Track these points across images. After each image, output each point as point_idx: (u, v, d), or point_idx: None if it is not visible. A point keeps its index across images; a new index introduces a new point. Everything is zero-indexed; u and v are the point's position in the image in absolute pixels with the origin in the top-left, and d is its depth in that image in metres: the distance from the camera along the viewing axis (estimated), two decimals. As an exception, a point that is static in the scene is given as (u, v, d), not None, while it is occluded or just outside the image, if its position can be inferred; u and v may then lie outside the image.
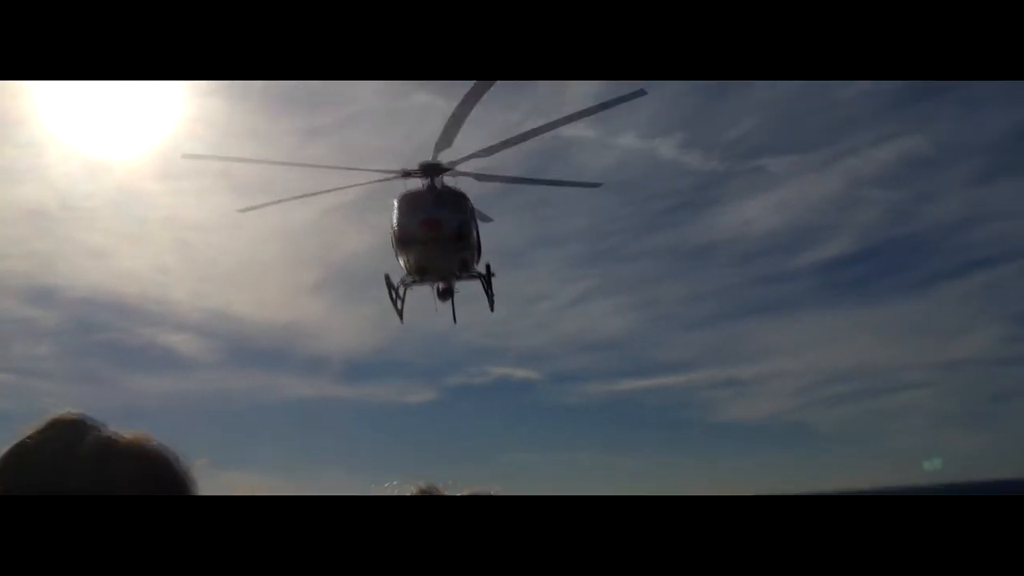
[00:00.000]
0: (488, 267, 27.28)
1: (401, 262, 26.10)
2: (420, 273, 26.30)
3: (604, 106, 24.86)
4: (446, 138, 24.17)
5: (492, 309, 28.45)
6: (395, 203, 25.71)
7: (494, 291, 27.68)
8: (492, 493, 3.51)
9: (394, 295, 27.91)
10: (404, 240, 25.18)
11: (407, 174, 25.93)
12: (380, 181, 26.39)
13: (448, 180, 26.17)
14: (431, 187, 25.65)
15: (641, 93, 23.45)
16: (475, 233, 26.25)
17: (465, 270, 26.56)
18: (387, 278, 27.38)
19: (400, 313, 28.21)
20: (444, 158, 25.44)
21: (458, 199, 25.98)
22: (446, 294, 27.22)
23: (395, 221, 25.42)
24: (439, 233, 24.84)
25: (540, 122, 25.01)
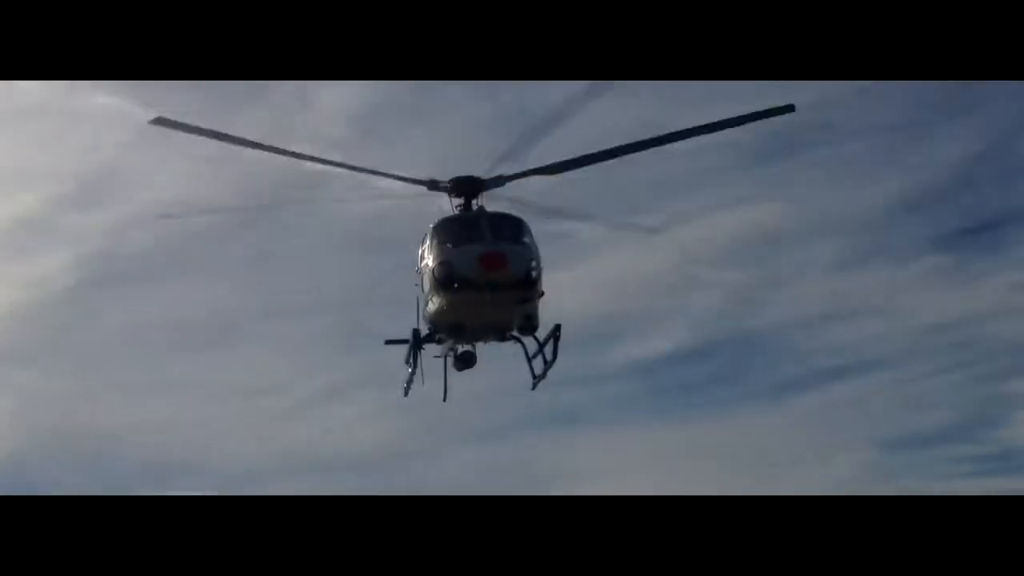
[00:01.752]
0: (558, 327, 20.31)
1: (431, 313, 20.13)
2: (459, 330, 20.11)
3: (746, 120, 18.08)
4: (516, 147, 19.32)
5: (536, 383, 21.41)
6: (432, 229, 20.00)
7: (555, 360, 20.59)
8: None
9: (413, 359, 21.99)
10: (447, 281, 18.76)
11: (435, 186, 20.44)
12: (401, 178, 20.57)
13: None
14: (481, 210, 19.90)
15: (790, 109, 17.35)
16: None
17: (529, 329, 19.96)
18: (416, 334, 21.26)
19: (409, 384, 22.53)
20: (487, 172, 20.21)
21: (521, 228, 19.67)
22: (468, 361, 21.06)
23: (434, 255, 19.41)
24: (506, 273, 18.43)
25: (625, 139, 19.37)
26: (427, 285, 19.83)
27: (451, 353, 21.24)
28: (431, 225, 20.12)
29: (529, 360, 21.25)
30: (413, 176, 20.56)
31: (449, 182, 20.23)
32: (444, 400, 22.29)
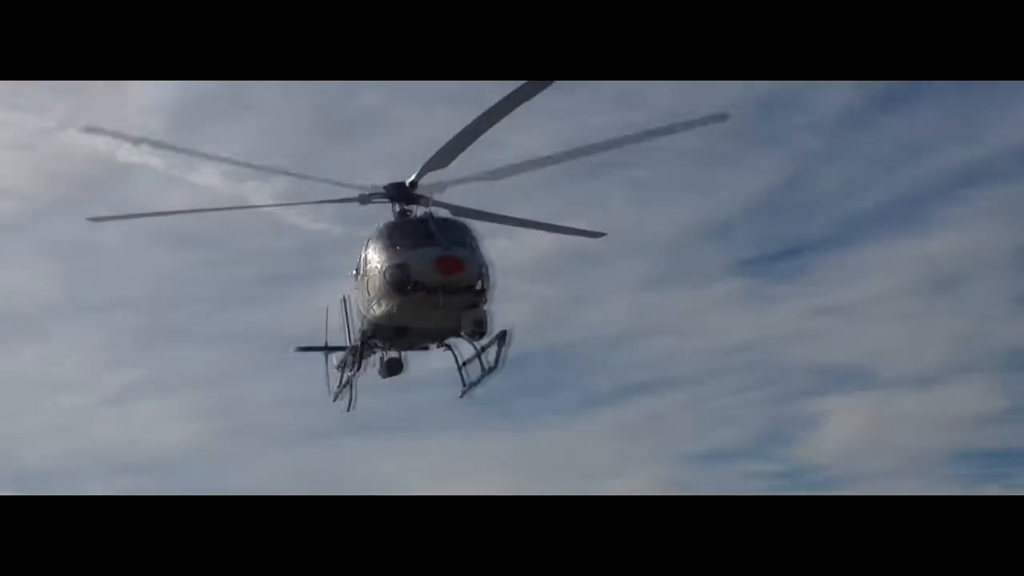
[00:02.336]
0: (504, 334, 20.24)
1: (375, 317, 20.17)
2: (402, 334, 20.28)
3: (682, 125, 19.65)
4: (444, 156, 19.24)
5: (467, 391, 21.59)
6: (378, 233, 20.01)
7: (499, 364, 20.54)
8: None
9: (348, 367, 22.44)
10: (401, 284, 18.58)
11: (366, 199, 20.76)
12: (331, 201, 21.28)
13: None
14: (429, 215, 19.95)
15: (721, 117, 19.05)
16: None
17: (478, 334, 19.57)
18: (358, 348, 21.48)
19: (349, 393, 22.74)
20: (420, 181, 20.37)
21: (467, 233, 19.78)
22: (395, 369, 21.43)
23: (381, 259, 19.34)
24: (461, 278, 18.38)
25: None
26: (372, 289, 19.73)
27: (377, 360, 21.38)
28: (377, 228, 20.09)
29: (460, 367, 21.44)
30: (343, 196, 20.90)
31: (384, 188, 20.41)
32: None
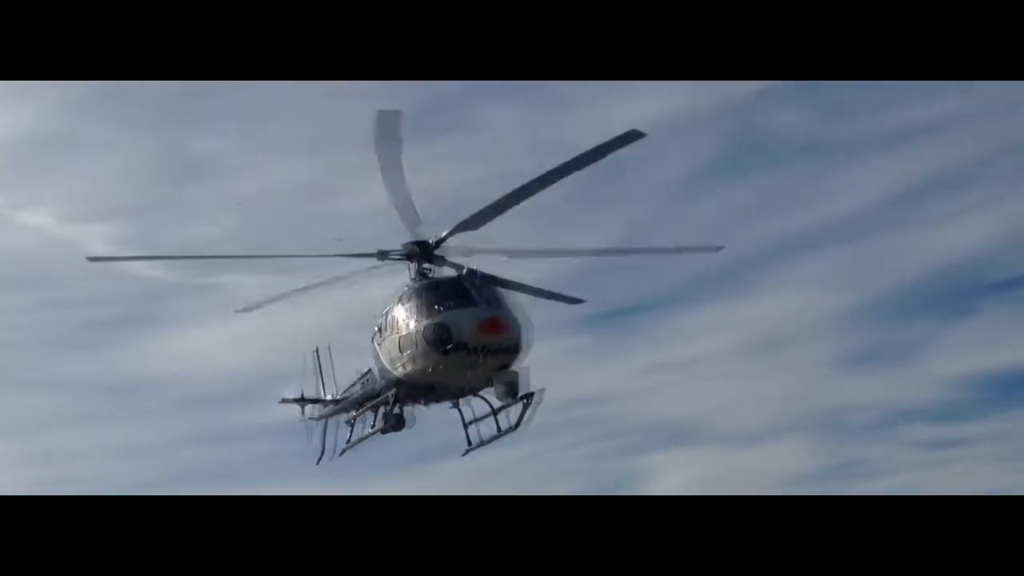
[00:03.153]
0: (534, 394, 20.16)
1: (404, 374, 20.29)
2: (429, 392, 20.38)
3: (599, 152, 18.36)
4: (478, 220, 19.64)
5: (473, 449, 21.53)
6: (411, 293, 20.22)
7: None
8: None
9: (356, 423, 22.78)
10: (441, 343, 18.80)
11: (384, 256, 21.07)
12: (351, 257, 21.27)
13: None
14: (461, 275, 20.30)
15: (637, 136, 17.87)
16: None
17: (510, 393, 19.58)
18: (384, 402, 21.24)
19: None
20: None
21: (501, 293, 20.05)
22: (400, 424, 21.29)
23: (418, 319, 19.56)
24: (504, 338, 18.71)
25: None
26: (403, 347, 19.88)
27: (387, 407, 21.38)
28: (410, 288, 20.38)
29: (466, 424, 21.39)
30: (359, 251, 21.18)
31: (404, 246, 20.78)
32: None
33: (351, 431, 23.26)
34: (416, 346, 19.45)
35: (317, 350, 26.65)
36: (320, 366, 26.54)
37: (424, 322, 19.29)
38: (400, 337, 20.06)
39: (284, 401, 26.81)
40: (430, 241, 20.61)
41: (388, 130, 17.48)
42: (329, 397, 26.06)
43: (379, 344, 21.12)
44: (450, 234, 20.38)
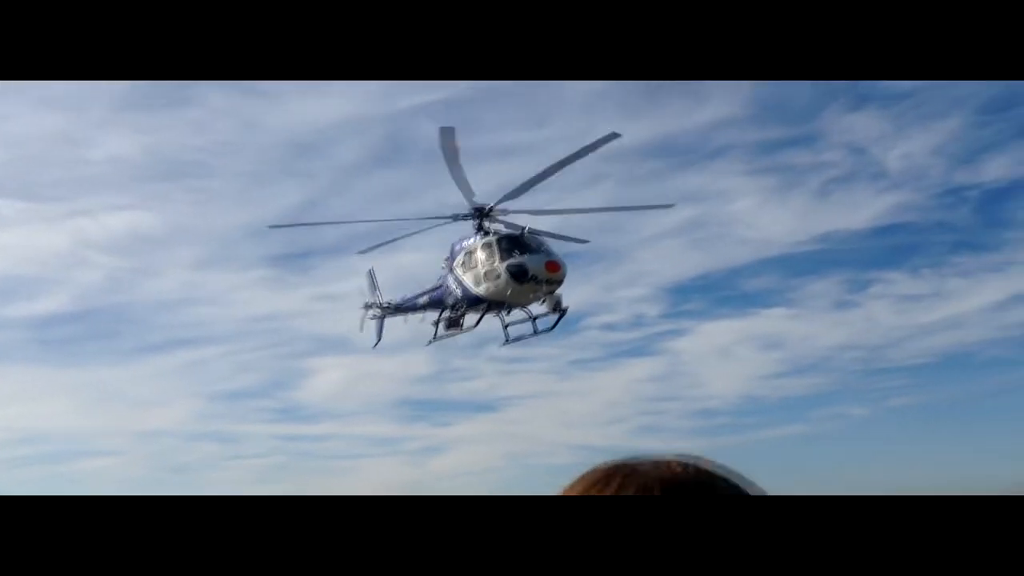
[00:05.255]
0: (567, 309, 30.38)
1: (485, 292, 29.55)
2: (500, 304, 29.98)
3: (582, 153, 27.92)
4: (520, 191, 28.73)
5: (510, 341, 31.70)
6: (491, 242, 29.59)
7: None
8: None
9: (444, 325, 31.90)
10: (520, 277, 28.27)
11: (457, 217, 30.63)
12: (432, 220, 31.19)
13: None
14: (524, 232, 29.62)
15: (614, 136, 27.11)
16: None
17: (559, 309, 29.92)
18: (457, 311, 31.17)
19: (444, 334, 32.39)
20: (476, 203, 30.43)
21: (546, 241, 29.96)
22: (459, 324, 31.34)
23: (501, 259, 28.88)
24: (559, 275, 28.58)
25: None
26: (484, 276, 29.22)
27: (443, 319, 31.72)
28: (490, 239, 29.51)
29: (505, 325, 30.90)
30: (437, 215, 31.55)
31: (471, 210, 30.06)
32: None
33: (436, 330, 32.50)
34: (500, 276, 28.63)
35: (371, 270, 37.91)
36: (375, 281, 37.61)
37: (508, 261, 28.45)
38: (486, 270, 29.00)
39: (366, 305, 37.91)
40: (487, 206, 29.97)
41: (448, 139, 27.29)
42: (385, 302, 37.04)
43: (463, 272, 30.08)
44: (499, 202, 29.63)
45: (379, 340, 36.86)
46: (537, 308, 30.34)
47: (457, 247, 31.24)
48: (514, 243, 29.16)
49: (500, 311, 30.64)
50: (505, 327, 31.03)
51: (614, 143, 27.83)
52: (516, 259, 28.51)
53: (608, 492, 1.83)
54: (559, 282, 28.66)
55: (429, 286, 33.70)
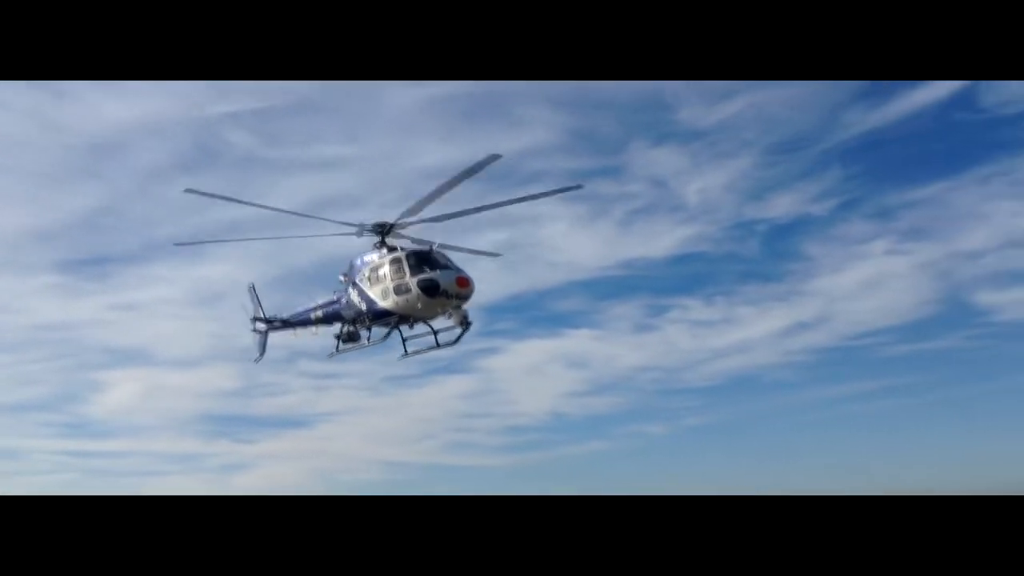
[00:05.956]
0: (471, 324, 31.66)
1: (390, 306, 30.68)
2: (405, 319, 31.27)
3: (469, 173, 28.88)
4: (418, 207, 29.96)
5: (407, 355, 32.71)
6: (399, 257, 30.64)
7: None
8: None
9: (344, 339, 32.95)
10: (431, 292, 29.62)
11: (361, 232, 31.75)
12: (335, 234, 31.68)
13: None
14: (431, 249, 30.75)
15: (495, 158, 28.36)
16: None
17: (465, 323, 31.05)
18: (355, 325, 32.23)
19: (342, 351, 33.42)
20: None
21: (450, 258, 31.25)
22: (357, 337, 32.58)
23: (411, 274, 30.08)
24: (469, 290, 29.93)
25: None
26: (392, 291, 30.25)
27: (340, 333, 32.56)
28: (397, 254, 30.53)
29: (404, 340, 31.66)
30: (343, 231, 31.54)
31: (372, 226, 31.40)
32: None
33: (337, 343, 33.30)
34: (410, 291, 29.59)
35: (252, 286, 38.59)
36: (257, 297, 38.10)
37: (419, 276, 29.41)
38: (395, 284, 29.98)
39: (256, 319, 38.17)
40: (388, 223, 31.25)
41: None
42: (270, 317, 37.72)
43: (369, 287, 31.09)
44: (401, 218, 30.77)
45: (262, 355, 38.08)
46: (440, 323, 31.47)
47: (359, 262, 32.43)
48: (423, 259, 30.49)
49: (402, 325, 31.83)
50: (403, 340, 32.51)
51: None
52: (427, 274, 29.82)
53: None
54: (467, 297, 30.02)
55: (322, 300, 34.87)
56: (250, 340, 38.48)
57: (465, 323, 30.44)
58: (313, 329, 35.26)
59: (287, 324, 36.95)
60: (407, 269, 30.29)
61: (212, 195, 35.65)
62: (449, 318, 30.53)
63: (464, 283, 29.51)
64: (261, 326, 38.18)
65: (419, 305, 29.81)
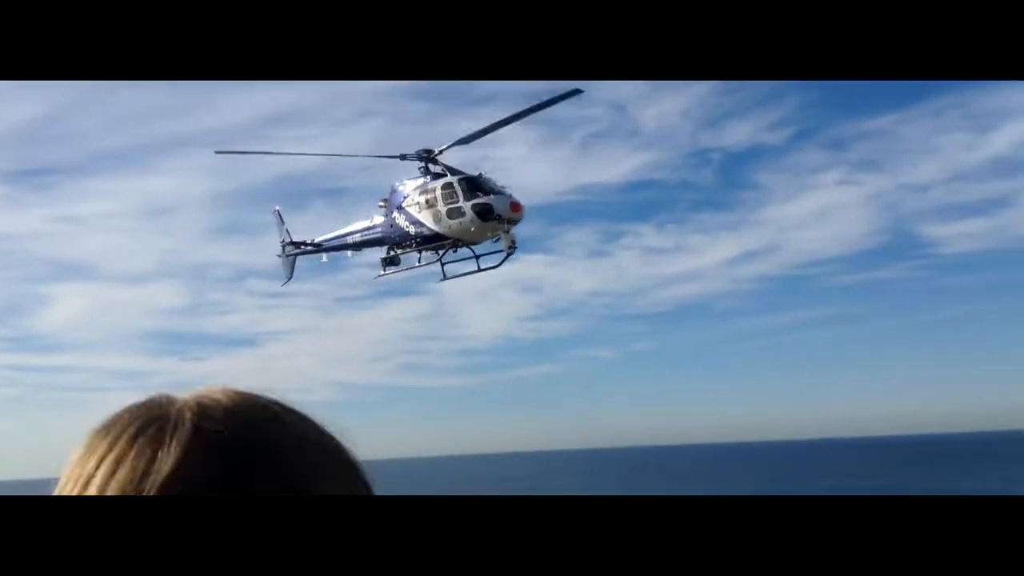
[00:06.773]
0: (516, 247, 32.65)
1: (442, 229, 30.87)
2: (457, 242, 31.76)
3: (540, 107, 29.43)
4: (470, 138, 30.53)
5: (446, 279, 33.68)
6: (452, 183, 30.94)
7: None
8: None
9: (389, 262, 33.53)
10: (484, 215, 29.74)
11: (404, 157, 32.09)
12: (378, 156, 32.29)
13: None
14: (480, 175, 31.16)
15: (576, 92, 28.56)
16: None
17: (513, 246, 31.57)
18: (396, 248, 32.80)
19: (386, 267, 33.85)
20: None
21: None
22: (396, 262, 33.20)
23: (464, 198, 30.32)
24: (520, 215, 30.38)
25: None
26: (444, 214, 30.37)
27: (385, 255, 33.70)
28: (448, 180, 30.54)
29: (442, 264, 32.63)
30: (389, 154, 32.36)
31: (417, 152, 31.37)
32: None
33: (384, 265, 33.77)
34: (464, 215, 29.96)
35: (278, 210, 37.72)
36: (283, 220, 37.51)
37: (473, 201, 29.88)
38: (448, 208, 30.29)
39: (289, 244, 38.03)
40: (435, 150, 31.59)
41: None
42: (303, 241, 37.31)
43: (418, 211, 31.23)
44: (449, 147, 31.17)
45: (290, 278, 37.45)
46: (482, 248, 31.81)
47: (402, 187, 32.21)
48: (475, 184, 30.63)
49: (448, 249, 32.19)
50: (442, 264, 32.68)
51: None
52: (481, 199, 30.03)
53: (152, 430, 1.52)
54: (518, 221, 30.42)
55: (361, 225, 34.48)
56: (276, 263, 37.45)
57: (512, 247, 30.84)
58: (349, 253, 35.42)
59: (320, 248, 36.26)
60: (460, 194, 30.54)
61: (243, 152, 39.07)
62: (497, 241, 30.88)
63: (516, 208, 29.79)
64: (291, 249, 37.15)
65: (472, 228, 30.37)
